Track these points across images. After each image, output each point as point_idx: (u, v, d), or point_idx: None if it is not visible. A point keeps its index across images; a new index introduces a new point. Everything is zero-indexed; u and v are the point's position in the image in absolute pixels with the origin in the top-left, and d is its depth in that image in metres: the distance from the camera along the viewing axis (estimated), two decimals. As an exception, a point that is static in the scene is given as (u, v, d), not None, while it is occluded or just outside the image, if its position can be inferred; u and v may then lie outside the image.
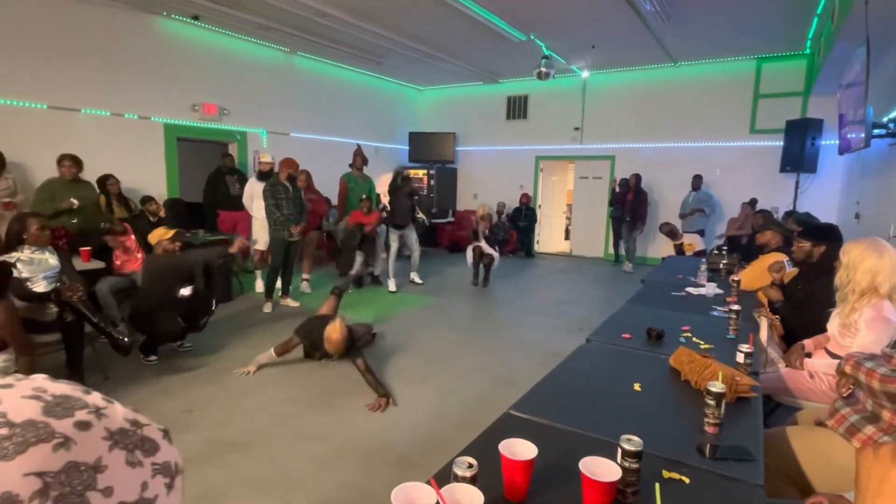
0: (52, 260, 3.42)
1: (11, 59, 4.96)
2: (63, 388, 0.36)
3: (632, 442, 1.12)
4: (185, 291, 3.77)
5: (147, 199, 5.16)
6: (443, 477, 1.05)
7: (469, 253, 6.75)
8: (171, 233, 4.08)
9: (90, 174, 5.05)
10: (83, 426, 0.33)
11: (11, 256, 3.23)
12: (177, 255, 3.98)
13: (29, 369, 2.59)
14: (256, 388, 3.42)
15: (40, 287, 3.24)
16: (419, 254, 6.76)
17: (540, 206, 10.03)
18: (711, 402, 1.44)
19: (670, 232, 6.48)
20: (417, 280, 6.74)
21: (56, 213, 4.53)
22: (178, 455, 0.40)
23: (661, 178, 8.52)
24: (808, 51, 7.17)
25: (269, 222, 5.19)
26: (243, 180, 6.32)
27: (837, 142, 5.26)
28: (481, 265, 6.69)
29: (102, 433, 0.34)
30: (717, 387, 1.44)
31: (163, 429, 0.40)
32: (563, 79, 8.94)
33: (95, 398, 0.37)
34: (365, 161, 6.75)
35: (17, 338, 2.59)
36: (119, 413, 0.37)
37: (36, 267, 3.30)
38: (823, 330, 2.46)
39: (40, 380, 0.36)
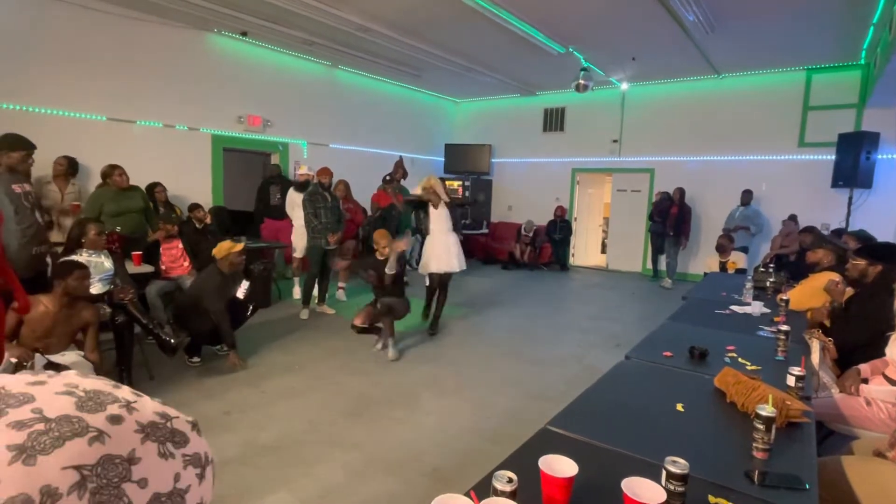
0: (107, 263, 3.61)
1: (75, 74, 5.30)
2: (94, 383, 0.37)
3: (677, 464, 1.08)
4: (241, 292, 3.93)
5: (194, 207, 5.36)
6: (481, 490, 1.05)
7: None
8: (240, 246, 3.91)
9: (142, 182, 5.30)
10: (116, 420, 0.34)
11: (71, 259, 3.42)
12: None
13: (99, 367, 2.99)
14: (293, 393, 3.49)
15: (96, 288, 3.42)
16: None
17: (576, 219, 9.90)
18: (761, 427, 1.38)
19: (721, 246, 6.22)
20: None
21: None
22: (206, 446, 0.41)
23: (703, 192, 8.26)
24: (862, 61, 6.86)
25: (307, 230, 5.32)
26: (285, 189, 6.52)
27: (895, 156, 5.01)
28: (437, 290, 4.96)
29: (134, 426, 0.35)
30: (767, 410, 1.38)
31: (191, 421, 0.40)
32: (602, 91, 8.84)
33: (125, 392, 0.38)
34: (405, 174, 6.84)
35: (96, 338, 2.99)
36: (148, 406, 0.38)
37: (92, 269, 3.47)
38: (880, 354, 2.33)
39: (71, 376, 0.37)
